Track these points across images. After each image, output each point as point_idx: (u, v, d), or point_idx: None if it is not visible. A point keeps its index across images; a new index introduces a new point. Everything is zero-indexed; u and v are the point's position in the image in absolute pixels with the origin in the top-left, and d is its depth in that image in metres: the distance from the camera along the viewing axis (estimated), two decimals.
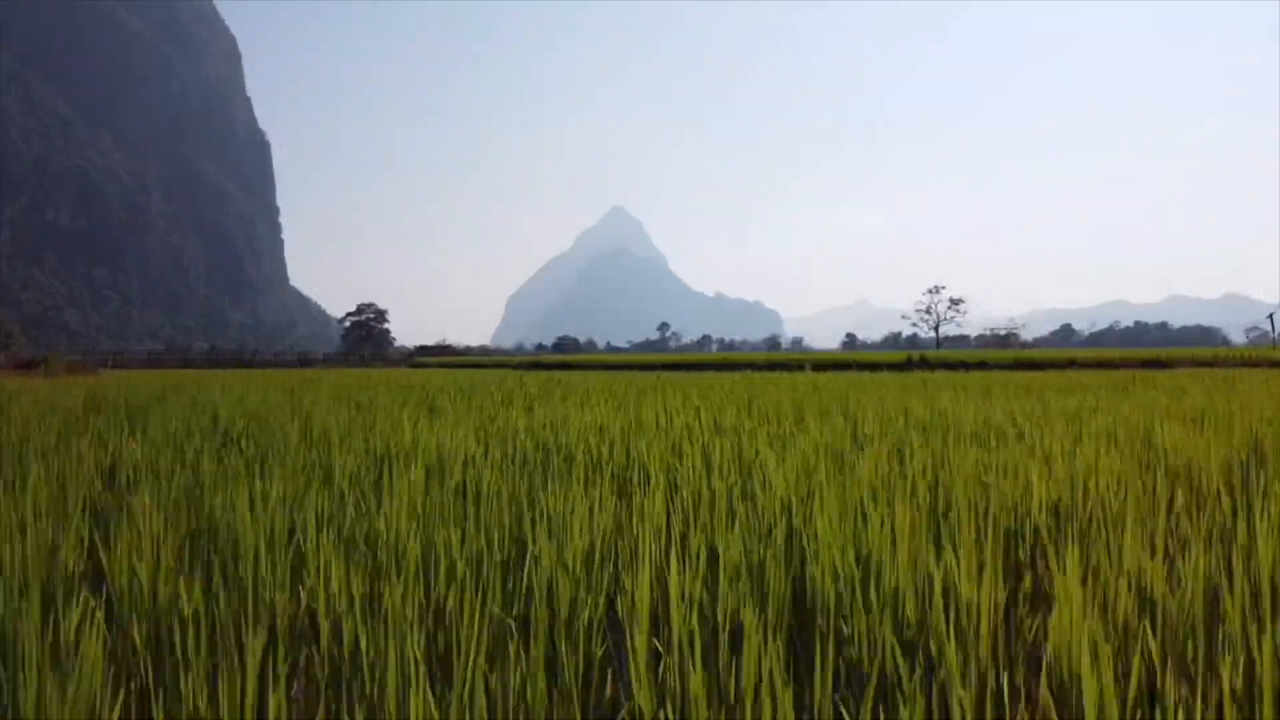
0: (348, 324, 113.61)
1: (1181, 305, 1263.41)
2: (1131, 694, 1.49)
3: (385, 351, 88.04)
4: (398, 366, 57.86)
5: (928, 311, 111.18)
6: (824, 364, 27.99)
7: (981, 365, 24.88)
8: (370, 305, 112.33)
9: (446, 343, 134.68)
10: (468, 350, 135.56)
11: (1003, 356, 28.84)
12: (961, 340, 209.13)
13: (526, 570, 2.02)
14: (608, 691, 1.83)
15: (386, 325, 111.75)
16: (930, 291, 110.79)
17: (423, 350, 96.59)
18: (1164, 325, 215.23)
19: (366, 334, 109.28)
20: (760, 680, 1.47)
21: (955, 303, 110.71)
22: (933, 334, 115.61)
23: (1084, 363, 24.68)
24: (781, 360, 31.10)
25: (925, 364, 25.45)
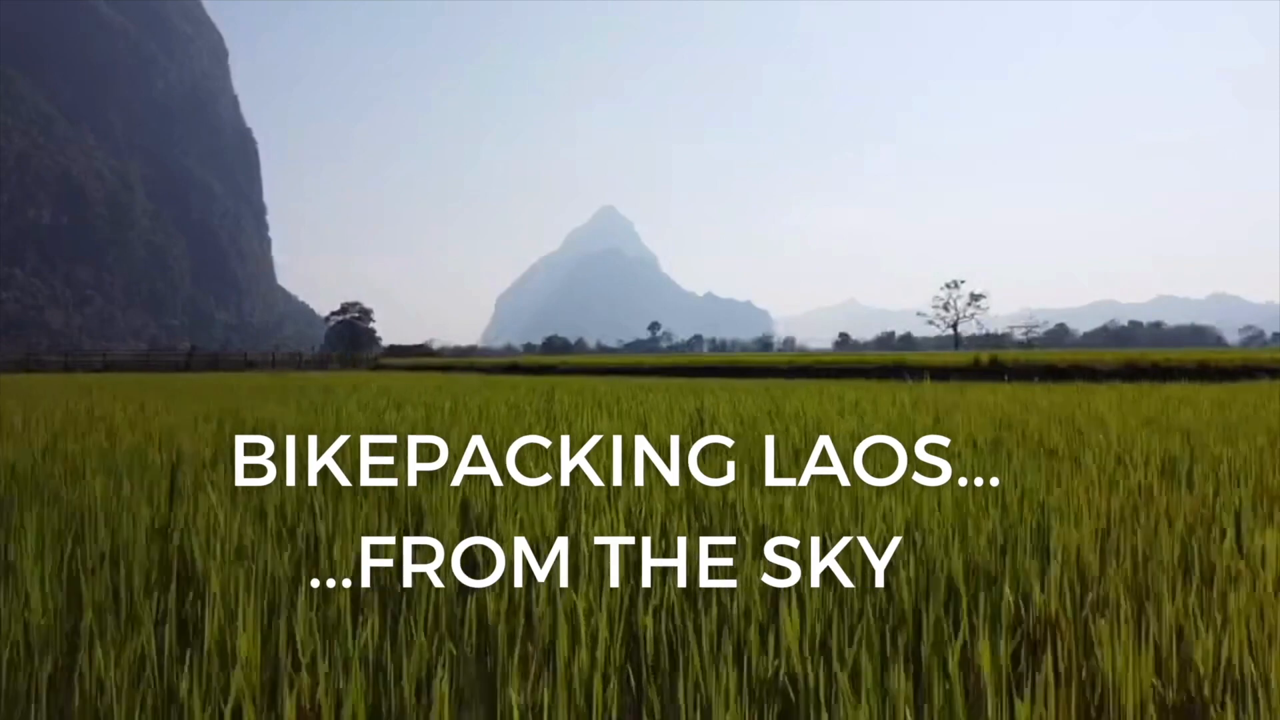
0: (332, 324, 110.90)
1: (1170, 305, 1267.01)
2: None
3: (357, 353, 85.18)
4: (358, 369, 54.53)
5: (945, 308, 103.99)
6: (881, 368, 23.43)
7: (1086, 373, 18.76)
8: (355, 304, 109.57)
9: (433, 343, 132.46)
10: (457, 350, 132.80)
11: (1104, 358, 21.85)
12: (953, 339, 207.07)
13: None
14: None
15: (372, 325, 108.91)
16: (948, 286, 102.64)
17: (393, 351, 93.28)
18: (1158, 325, 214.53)
19: (351, 334, 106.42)
20: None
21: (976, 298, 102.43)
22: (930, 333, 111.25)
23: (1224, 368, 18.24)
24: (805, 364, 26.61)
25: (1000, 367, 21.10)
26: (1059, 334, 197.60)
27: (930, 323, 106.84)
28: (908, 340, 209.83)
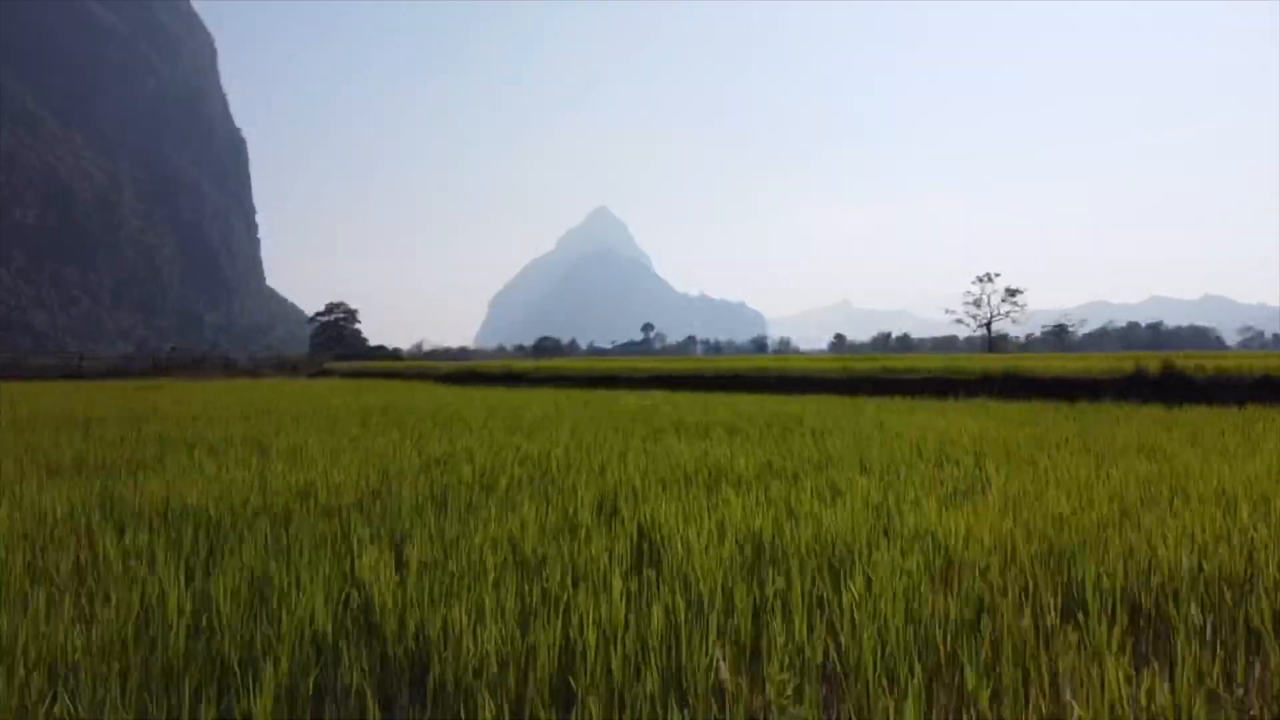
0: (316, 325, 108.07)
1: (1162, 306, 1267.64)
2: None
3: (320, 355, 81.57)
4: (297, 375, 50.60)
5: (976, 304, 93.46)
6: (987, 381, 17.15)
7: None
8: (340, 305, 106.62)
9: (424, 344, 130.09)
10: (447, 352, 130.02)
11: None
12: (949, 342, 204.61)
13: None
14: None
15: (357, 325, 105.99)
16: (980, 280, 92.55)
17: (340, 355, 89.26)
18: (1156, 325, 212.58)
19: (336, 335, 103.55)
20: None
21: (1012, 293, 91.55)
22: (927, 334, 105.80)
23: None
24: (863, 373, 19.97)
25: (1180, 379, 14.55)
26: (1058, 335, 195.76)
27: (959, 321, 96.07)
28: (905, 341, 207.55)
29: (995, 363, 20.00)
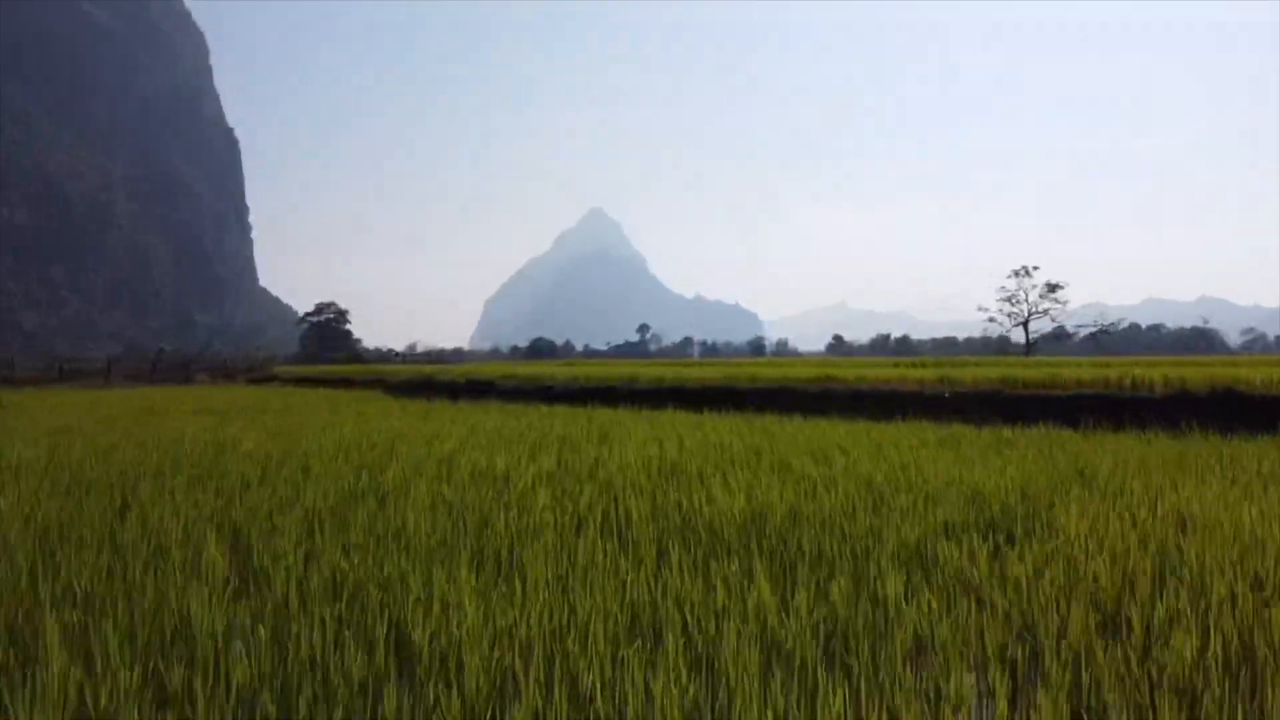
0: (305, 325, 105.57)
1: (1159, 308, 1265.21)
2: None
3: (269, 359, 78.22)
4: (233, 381, 46.37)
5: (1010, 300, 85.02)
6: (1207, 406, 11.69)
7: None
8: (330, 305, 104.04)
9: (417, 345, 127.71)
10: (441, 354, 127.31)
11: None
12: (950, 343, 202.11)
13: None
14: None
15: (348, 326, 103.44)
16: (1017, 274, 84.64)
17: (287, 357, 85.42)
18: (1157, 327, 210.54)
19: (327, 335, 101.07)
20: None
21: (1053, 288, 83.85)
22: (926, 334, 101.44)
23: None
24: (973, 387, 14.49)
25: None
26: (1057, 337, 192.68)
27: (991, 319, 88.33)
28: (905, 343, 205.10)
29: (1190, 371, 13.52)
